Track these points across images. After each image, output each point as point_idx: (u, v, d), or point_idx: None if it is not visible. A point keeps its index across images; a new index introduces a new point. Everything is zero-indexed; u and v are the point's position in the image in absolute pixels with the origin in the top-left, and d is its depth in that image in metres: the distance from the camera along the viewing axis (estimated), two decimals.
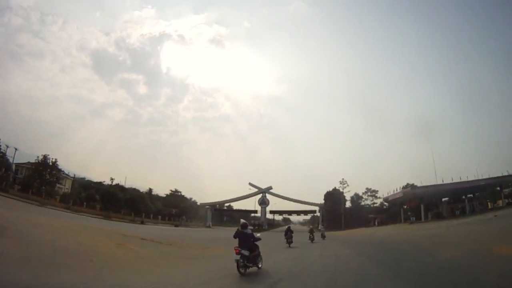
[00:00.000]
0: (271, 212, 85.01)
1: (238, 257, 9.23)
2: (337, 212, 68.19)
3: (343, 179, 72.10)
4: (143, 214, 57.20)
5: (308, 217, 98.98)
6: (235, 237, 10.10)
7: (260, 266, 10.34)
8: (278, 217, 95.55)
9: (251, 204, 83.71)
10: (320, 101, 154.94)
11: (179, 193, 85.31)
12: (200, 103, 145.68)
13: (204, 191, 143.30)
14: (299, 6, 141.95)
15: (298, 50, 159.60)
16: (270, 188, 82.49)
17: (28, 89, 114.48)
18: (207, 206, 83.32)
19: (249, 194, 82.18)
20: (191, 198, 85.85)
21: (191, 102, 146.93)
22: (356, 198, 73.04)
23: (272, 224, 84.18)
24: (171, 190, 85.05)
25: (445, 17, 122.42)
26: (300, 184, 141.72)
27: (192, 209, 79.21)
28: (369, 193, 72.69)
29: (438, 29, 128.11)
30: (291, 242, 22.47)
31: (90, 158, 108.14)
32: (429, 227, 37.85)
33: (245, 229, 10.23)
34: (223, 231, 52.41)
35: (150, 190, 78.15)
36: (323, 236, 32.05)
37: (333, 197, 72.21)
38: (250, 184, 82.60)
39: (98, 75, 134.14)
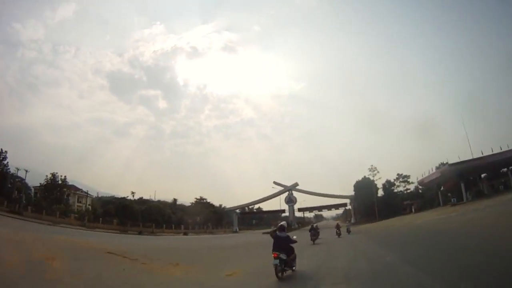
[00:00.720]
0: (300, 209, 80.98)
1: (277, 261, 9.23)
2: (369, 202, 62.43)
3: (372, 165, 66.24)
4: (164, 225, 56.52)
5: (341, 211, 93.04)
6: (272, 237, 10.22)
7: (294, 268, 10.16)
8: (309, 214, 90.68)
9: (280, 204, 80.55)
10: (339, 91, 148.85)
11: (205, 200, 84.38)
12: (220, 111, 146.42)
13: (234, 196, 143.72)
14: None
15: (311, 44, 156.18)
16: (296, 185, 78.54)
17: (49, 118, 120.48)
18: (237, 210, 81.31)
19: (275, 194, 78.99)
20: (220, 205, 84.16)
21: (211, 111, 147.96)
22: (388, 185, 65.97)
23: (302, 223, 79.65)
24: (196, 198, 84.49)
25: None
26: (329, 178, 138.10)
27: (217, 215, 77.43)
28: (401, 179, 65.63)
29: None
30: (315, 239, 24.41)
31: (119, 176, 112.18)
32: (477, 207, 31.61)
33: (280, 231, 10.14)
34: (245, 236, 49.48)
35: (175, 200, 78.51)
36: (348, 231, 33.98)
37: (364, 186, 66.02)
38: (275, 182, 79.44)
39: (116, 95, 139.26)
